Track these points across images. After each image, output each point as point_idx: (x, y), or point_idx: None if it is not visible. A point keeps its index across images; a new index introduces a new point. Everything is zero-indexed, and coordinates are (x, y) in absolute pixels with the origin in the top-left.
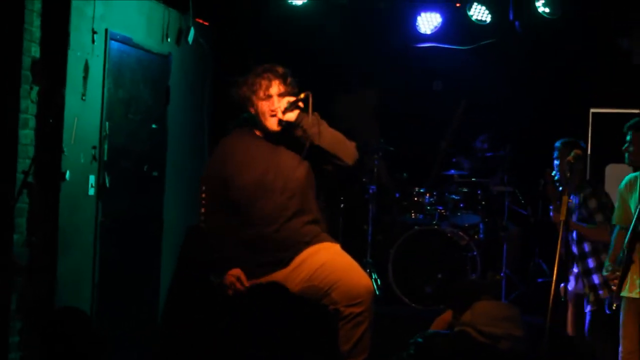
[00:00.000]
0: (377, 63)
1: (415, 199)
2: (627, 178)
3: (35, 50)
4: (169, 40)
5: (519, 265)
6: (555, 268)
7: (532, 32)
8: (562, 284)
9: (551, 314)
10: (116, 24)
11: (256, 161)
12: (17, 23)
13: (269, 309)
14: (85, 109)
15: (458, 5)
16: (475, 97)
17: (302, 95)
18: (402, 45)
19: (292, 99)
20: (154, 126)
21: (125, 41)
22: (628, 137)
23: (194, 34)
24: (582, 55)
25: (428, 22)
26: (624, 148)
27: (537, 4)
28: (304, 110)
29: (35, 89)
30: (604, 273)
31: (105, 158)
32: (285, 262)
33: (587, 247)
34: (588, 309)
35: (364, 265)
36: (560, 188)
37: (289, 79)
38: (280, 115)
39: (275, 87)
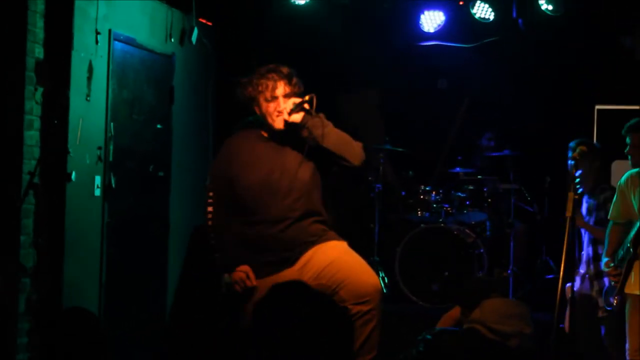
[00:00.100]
0: (380, 62)
1: (421, 197)
2: (628, 173)
3: (39, 52)
4: (172, 40)
5: (526, 263)
6: (562, 265)
7: (535, 30)
8: (568, 284)
9: (558, 311)
10: (119, 25)
11: (261, 161)
12: (20, 24)
13: (289, 307)
14: (89, 109)
15: (461, 3)
16: (479, 95)
17: (306, 97)
18: (405, 44)
19: (297, 100)
20: (158, 126)
21: (129, 41)
22: (628, 140)
23: (197, 34)
24: (585, 52)
25: (431, 20)
26: (626, 151)
27: (540, 1)
28: (308, 112)
29: (40, 90)
30: (604, 268)
31: (111, 159)
32: (291, 262)
33: (600, 249)
34: (600, 314)
35: (371, 264)
36: (581, 188)
37: (294, 80)
38: (286, 116)
39: (281, 88)
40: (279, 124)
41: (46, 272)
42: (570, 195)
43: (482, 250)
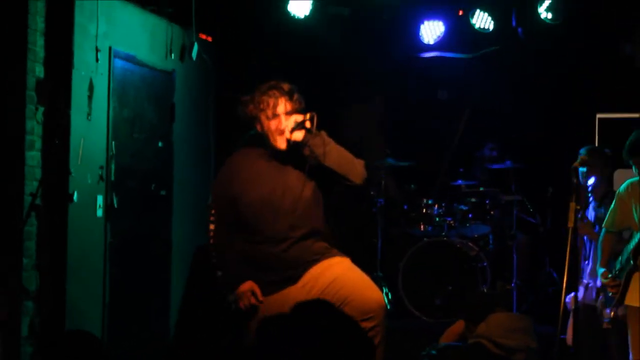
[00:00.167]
0: (380, 74)
1: (424, 210)
2: (628, 182)
3: (39, 70)
4: (172, 56)
5: (530, 275)
6: (565, 277)
7: (535, 39)
8: (572, 294)
9: (561, 324)
10: (119, 42)
11: (263, 179)
12: (21, 43)
13: (309, 327)
14: (91, 128)
15: (461, 13)
16: (480, 105)
17: (307, 116)
18: (405, 56)
19: (299, 117)
20: (160, 144)
21: (129, 58)
22: (634, 167)
23: (197, 49)
24: (586, 61)
25: (431, 31)
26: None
27: (540, 10)
28: (309, 131)
29: (41, 109)
30: (601, 279)
31: (113, 178)
32: (294, 280)
33: None
34: (604, 325)
35: (374, 280)
36: (590, 196)
37: (295, 96)
38: (287, 134)
39: (282, 105)
40: (280, 142)
41: (49, 295)
42: (572, 205)
43: (485, 264)
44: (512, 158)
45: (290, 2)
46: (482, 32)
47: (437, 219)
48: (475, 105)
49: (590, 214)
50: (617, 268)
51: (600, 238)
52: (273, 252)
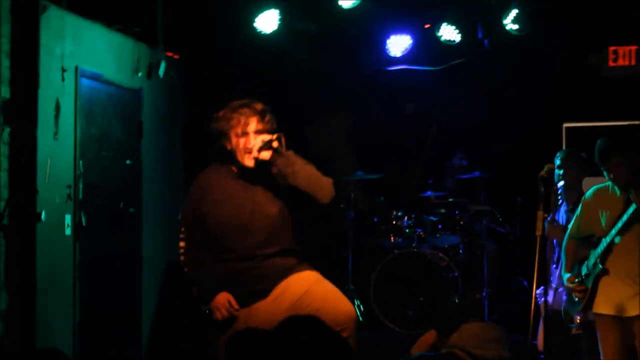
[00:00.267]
0: (348, 88)
1: (394, 222)
2: (594, 188)
3: (5, 91)
4: (139, 74)
5: (500, 284)
6: (534, 284)
7: (501, 50)
8: (542, 299)
9: (532, 331)
10: (86, 61)
11: (232, 198)
12: None
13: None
14: (57, 148)
15: (427, 26)
16: (448, 117)
17: (274, 136)
18: (373, 69)
19: (267, 137)
20: (128, 162)
21: (96, 77)
22: (605, 173)
23: (164, 67)
24: (552, 71)
25: (398, 44)
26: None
27: (505, 21)
28: (276, 151)
29: (7, 130)
30: (567, 284)
31: (81, 197)
32: (265, 294)
33: None
34: (573, 331)
35: (346, 293)
36: (560, 199)
37: (267, 117)
38: (255, 153)
39: (253, 124)
40: (248, 161)
41: (18, 315)
42: (540, 214)
43: (456, 274)
44: (481, 168)
45: (257, 18)
46: (449, 45)
47: (407, 231)
48: (444, 117)
49: (562, 217)
50: (583, 273)
51: (564, 244)
52: (242, 268)
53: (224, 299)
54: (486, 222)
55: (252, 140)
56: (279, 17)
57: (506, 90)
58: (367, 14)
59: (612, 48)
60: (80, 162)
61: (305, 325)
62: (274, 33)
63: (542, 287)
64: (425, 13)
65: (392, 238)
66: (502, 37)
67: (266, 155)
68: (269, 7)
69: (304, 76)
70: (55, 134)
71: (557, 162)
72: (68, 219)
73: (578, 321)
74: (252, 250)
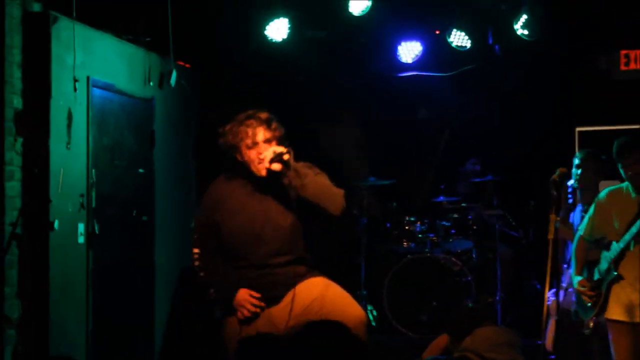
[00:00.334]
0: (360, 95)
1: (407, 227)
2: (607, 190)
3: (17, 102)
4: (151, 84)
5: (514, 288)
6: (546, 287)
7: (512, 55)
8: (551, 299)
9: (544, 334)
10: (97, 71)
11: (245, 209)
12: None
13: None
14: (70, 157)
15: (438, 32)
16: (460, 123)
17: (285, 150)
18: (384, 76)
19: (278, 149)
20: (140, 171)
21: (108, 87)
22: (622, 170)
23: (175, 76)
24: (564, 75)
25: (409, 51)
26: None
27: (516, 26)
28: (286, 164)
29: (20, 140)
30: (578, 287)
31: (94, 205)
32: (277, 300)
33: None
34: (587, 332)
35: (358, 298)
36: (570, 198)
37: (273, 124)
38: (267, 164)
39: (261, 134)
40: (260, 171)
41: (32, 323)
42: (552, 217)
43: (469, 278)
44: (494, 173)
45: (267, 26)
46: (460, 51)
47: (420, 236)
48: (455, 122)
49: (577, 218)
50: (595, 278)
51: (574, 245)
52: (255, 275)
53: (246, 296)
54: (499, 227)
55: (263, 150)
56: (289, 25)
57: (518, 95)
58: (377, 21)
59: (623, 52)
60: (93, 171)
61: (317, 329)
62: (285, 41)
63: (553, 290)
64: (435, 19)
65: (405, 243)
66: (513, 42)
67: (277, 167)
68: (279, 16)
69: (315, 83)
70: (68, 143)
71: (576, 161)
72: (81, 227)
73: (591, 326)
74: (265, 260)
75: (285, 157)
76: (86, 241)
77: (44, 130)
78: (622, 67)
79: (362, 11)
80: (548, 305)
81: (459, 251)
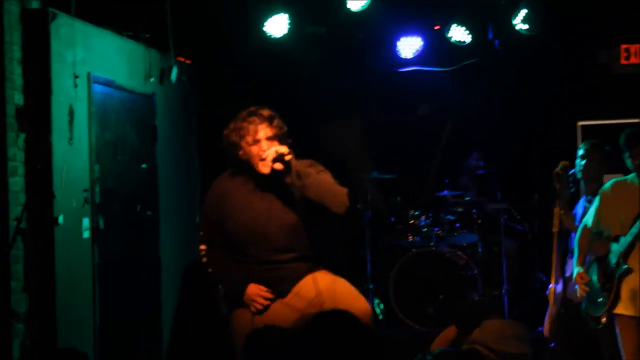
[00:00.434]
0: (361, 90)
1: (411, 222)
2: (613, 180)
3: (18, 98)
4: (151, 80)
5: (520, 281)
6: (552, 279)
7: (513, 50)
8: (550, 286)
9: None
10: (98, 67)
11: (249, 207)
12: None
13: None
14: (73, 153)
15: (437, 27)
16: (462, 117)
17: (286, 150)
18: (384, 71)
19: (279, 149)
20: (143, 166)
21: (108, 83)
22: (629, 160)
23: (176, 72)
24: (565, 70)
25: (409, 46)
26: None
27: (515, 21)
28: (288, 165)
29: (22, 136)
30: (577, 280)
31: (98, 200)
32: (284, 294)
33: None
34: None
35: (365, 292)
36: (572, 187)
37: (275, 121)
38: (269, 162)
39: (263, 131)
40: (263, 169)
41: (39, 317)
42: (556, 210)
43: (475, 272)
44: (497, 167)
45: (267, 22)
46: (460, 46)
47: (425, 230)
48: (456, 117)
49: (581, 208)
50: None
51: (577, 235)
52: (259, 270)
53: (256, 290)
54: (504, 220)
55: (265, 146)
56: (289, 21)
57: (519, 89)
58: (376, 17)
59: (624, 46)
60: (96, 166)
61: (326, 319)
62: (284, 37)
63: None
64: (434, 14)
65: (410, 237)
66: (513, 37)
67: (279, 166)
68: (278, 12)
69: (315, 79)
70: (70, 139)
71: (581, 152)
72: (86, 222)
73: (604, 321)
74: (269, 256)
75: (287, 157)
76: (91, 236)
77: (46, 126)
78: (623, 61)
79: (362, 7)
80: (546, 295)
81: (464, 245)
